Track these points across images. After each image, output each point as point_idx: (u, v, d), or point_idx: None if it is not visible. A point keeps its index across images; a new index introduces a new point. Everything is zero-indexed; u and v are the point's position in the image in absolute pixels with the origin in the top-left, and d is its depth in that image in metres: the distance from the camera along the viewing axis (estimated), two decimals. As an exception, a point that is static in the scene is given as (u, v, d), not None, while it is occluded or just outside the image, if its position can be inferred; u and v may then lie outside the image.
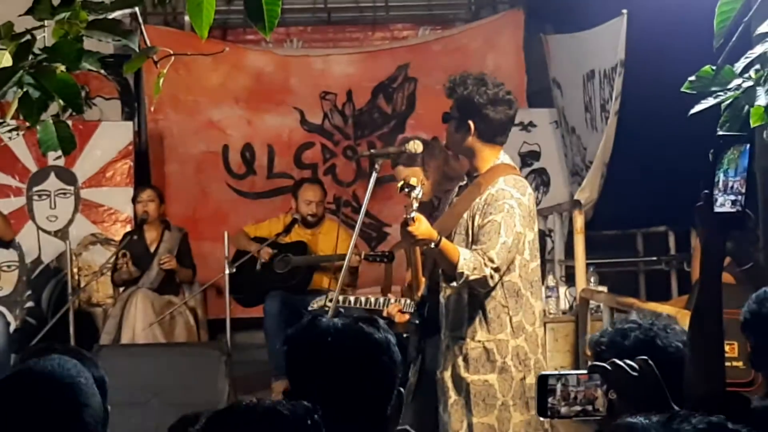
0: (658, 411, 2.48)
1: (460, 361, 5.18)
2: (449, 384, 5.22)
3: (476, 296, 5.15)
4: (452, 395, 5.21)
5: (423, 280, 5.50)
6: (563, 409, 2.64)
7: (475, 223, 5.13)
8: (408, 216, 4.87)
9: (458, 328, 5.21)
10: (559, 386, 2.63)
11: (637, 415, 2.43)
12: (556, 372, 2.75)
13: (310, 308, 7.28)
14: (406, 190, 4.92)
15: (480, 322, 5.17)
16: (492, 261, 5.00)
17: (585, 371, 2.66)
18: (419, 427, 5.56)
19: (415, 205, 4.91)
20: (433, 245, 4.99)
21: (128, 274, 9.29)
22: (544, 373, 2.70)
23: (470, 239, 5.16)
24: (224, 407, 2.15)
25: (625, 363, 2.64)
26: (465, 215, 5.20)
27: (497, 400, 5.12)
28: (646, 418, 2.22)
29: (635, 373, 2.62)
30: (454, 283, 5.08)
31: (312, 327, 2.89)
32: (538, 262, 5.29)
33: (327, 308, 6.88)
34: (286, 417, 2.08)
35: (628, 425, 2.25)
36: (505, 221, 5.05)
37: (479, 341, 5.16)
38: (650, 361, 2.65)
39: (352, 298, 6.42)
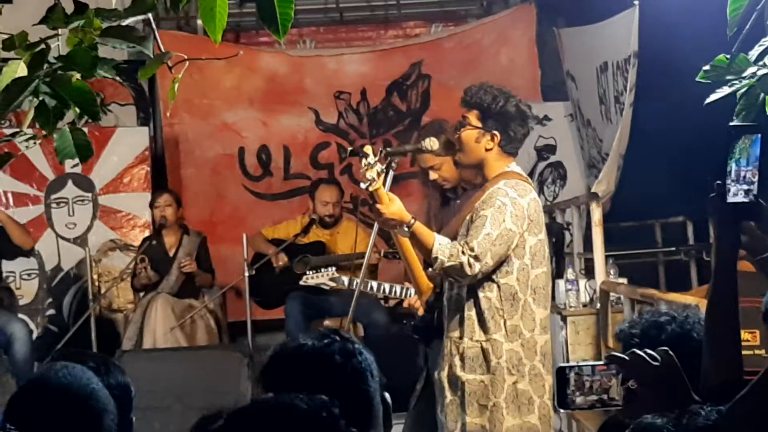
0: (680, 401, 2.48)
1: (456, 360, 5.16)
2: (445, 383, 5.21)
3: (474, 296, 5.14)
4: (448, 395, 5.20)
5: (429, 285, 5.47)
6: (578, 400, 2.64)
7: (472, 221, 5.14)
8: (364, 187, 4.90)
9: (456, 328, 5.20)
10: (572, 376, 2.63)
11: (653, 411, 2.44)
12: (574, 363, 2.75)
13: (302, 282, 7.26)
14: (359, 156, 4.94)
15: (478, 322, 5.15)
16: (471, 249, 4.97)
17: (602, 362, 2.67)
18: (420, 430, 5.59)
19: (371, 174, 4.93)
20: (405, 228, 5.02)
21: (147, 279, 9.32)
22: (562, 365, 2.71)
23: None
24: (244, 405, 2.18)
25: (645, 353, 2.64)
26: (467, 218, 5.20)
27: (489, 400, 5.10)
28: (659, 417, 2.23)
29: (656, 363, 2.63)
30: (430, 270, 5.12)
31: (275, 363, 2.87)
32: (545, 269, 5.23)
33: (325, 285, 6.89)
34: (304, 410, 2.11)
35: (647, 426, 2.26)
36: (493, 216, 5.01)
37: (477, 341, 5.14)
38: (670, 352, 2.66)
39: (374, 284, 6.42)
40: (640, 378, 2.62)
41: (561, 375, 2.65)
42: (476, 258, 4.97)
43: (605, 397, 2.64)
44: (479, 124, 5.22)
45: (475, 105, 5.25)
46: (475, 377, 5.10)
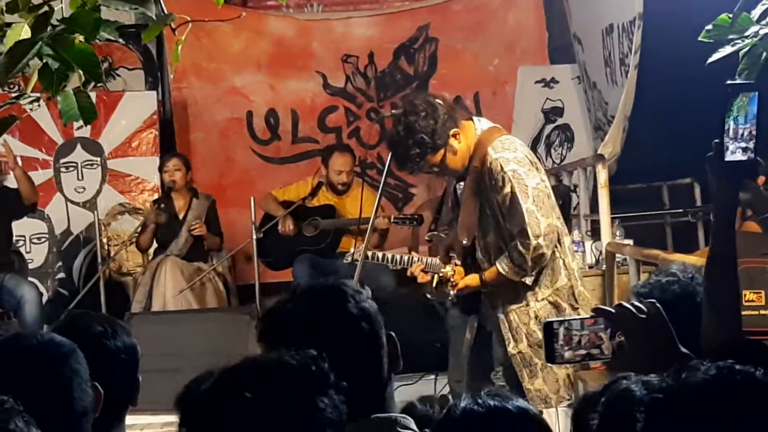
0: (667, 353, 2.49)
1: (533, 325, 5.24)
2: (531, 353, 5.28)
3: None
4: (538, 360, 5.27)
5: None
6: (567, 354, 2.63)
7: (494, 203, 5.17)
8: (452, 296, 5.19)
9: (516, 296, 5.28)
10: (561, 330, 2.63)
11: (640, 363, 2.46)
12: (562, 318, 2.75)
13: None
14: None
15: (536, 280, 5.22)
16: (527, 237, 5.06)
17: (590, 316, 2.67)
18: (475, 387, 5.64)
19: (452, 293, 5.23)
20: (481, 288, 5.26)
21: (156, 222, 9.30)
22: (550, 320, 2.71)
23: (500, 217, 5.21)
24: (234, 363, 2.19)
25: (632, 305, 2.65)
26: (481, 202, 5.24)
27: None
28: (648, 383, 2.24)
29: (642, 316, 2.64)
30: (526, 279, 5.23)
31: (274, 315, 2.86)
32: (554, 199, 5.35)
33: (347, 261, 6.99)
34: (293, 366, 2.13)
35: (630, 394, 2.28)
36: (519, 189, 5.10)
37: (543, 299, 5.22)
38: (657, 304, 2.66)
39: (379, 254, 6.44)
40: (626, 330, 2.62)
41: (549, 330, 2.65)
42: (537, 236, 5.11)
43: (594, 350, 2.64)
44: (439, 153, 5.23)
45: (416, 165, 5.30)
46: None
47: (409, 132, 5.15)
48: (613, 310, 2.66)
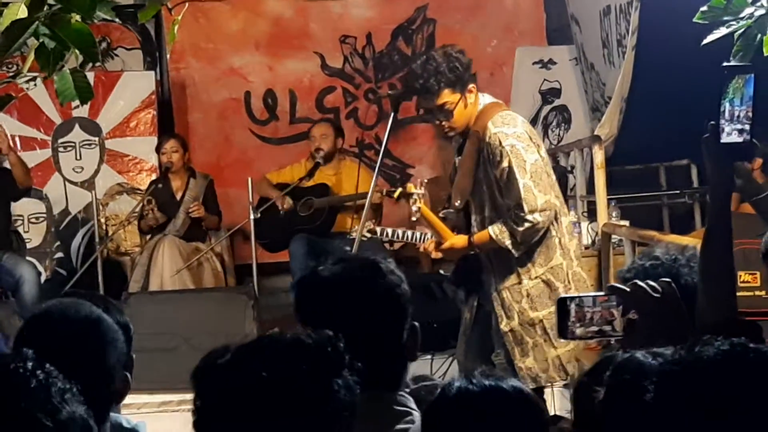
0: (679, 332, 2.52)
1: (524, 304, 5.25)
2: (522, 331, 5.29)
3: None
4: (529, 339, 5.28)
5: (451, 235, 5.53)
6: (578, 330, 2.65)
7: (491, 177, 5.19)
8: (415, 219, 5.24)
9: (509, 274, 5.28)
10: (573, 307, 2.65)
11: (652, 342, 2.48)
12: (575, 295, 2.78)
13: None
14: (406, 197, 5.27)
15: (529, 258, 5.23)
16: (523, 212, 5.07)
17: (603, 293, 2.69)
18: (473, 367, 5.65)
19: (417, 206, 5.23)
20: (469, 250, 5.28)
21: (154, 220, 9.35)
22: (563, 296, 2.73)
23: (497, 192, 5.22)
24: (251, 340, 2.21)
25: (647, 284, 2.67)
26: (476, 171, 5.26)
27: None
28: (655, 353, 2.26)
29: (657, 295, 2.66)
30: (516, 252, 5.21)
31: (313, 279, 2.89)
32: (554, 177, 5.36)
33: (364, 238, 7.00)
34: (309, 345, 2.14)
35: (636, 362, 2.29)
36: (517, 165, 5.10)
37: (536, 277, 5.23)
38: (673, 284, 2.68)
39: (389, 230, 6.45)
40: (640, 309, 2.64)
41: (562, 306, 2.67)
42: (533, 211, 5.10)
43: (606, 327, 2.66)
44: (457, 95, 5.23)
45: (437, 87, 5.25)
46: (549, 311, 5.17)
47: (447, 58, 5.20)
48: (627, 289, 2.68)
